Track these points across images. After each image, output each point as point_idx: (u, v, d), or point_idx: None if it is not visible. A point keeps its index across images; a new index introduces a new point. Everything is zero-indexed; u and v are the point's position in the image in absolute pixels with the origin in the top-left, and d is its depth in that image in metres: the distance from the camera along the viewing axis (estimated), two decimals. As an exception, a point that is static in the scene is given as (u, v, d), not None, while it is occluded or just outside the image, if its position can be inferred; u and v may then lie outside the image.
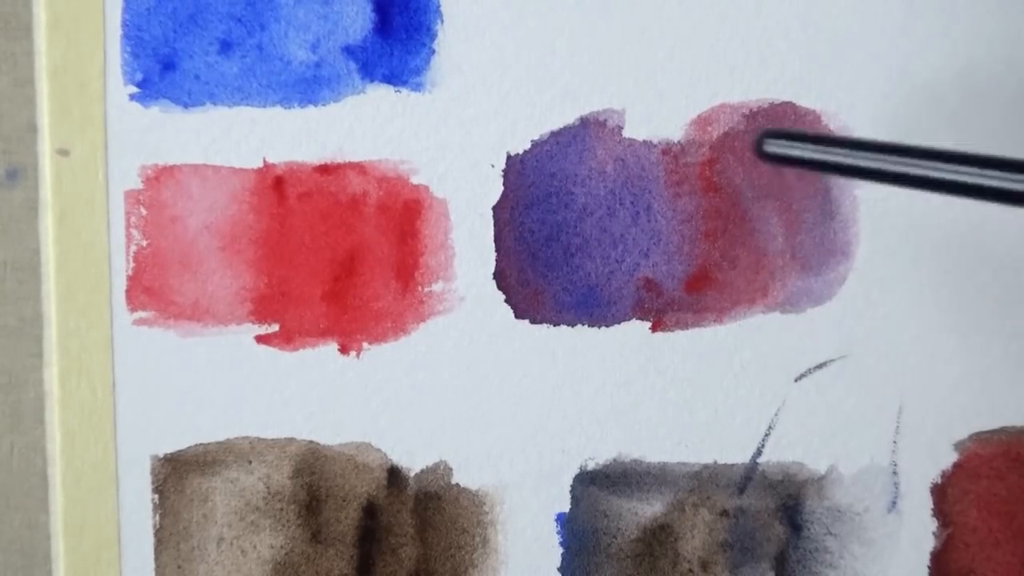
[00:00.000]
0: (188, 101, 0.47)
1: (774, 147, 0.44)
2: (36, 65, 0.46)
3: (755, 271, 0.49)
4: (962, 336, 0.50)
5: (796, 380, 0.50)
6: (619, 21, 0.48)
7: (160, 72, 0.47)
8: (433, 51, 0.47)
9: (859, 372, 0.50)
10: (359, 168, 0.48)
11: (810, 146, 0.44)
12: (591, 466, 0.49)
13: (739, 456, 0.50)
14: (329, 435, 0.48)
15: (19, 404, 0.47)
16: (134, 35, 0.46)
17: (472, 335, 0.49)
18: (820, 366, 0.50)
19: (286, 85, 0.47)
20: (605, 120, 0.48)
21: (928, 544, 0.51)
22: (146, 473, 0.48)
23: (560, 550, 0.50)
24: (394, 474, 0.49)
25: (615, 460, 0.50)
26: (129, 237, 0.47)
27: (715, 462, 0.50)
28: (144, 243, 0.47)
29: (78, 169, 0.46)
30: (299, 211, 0.47)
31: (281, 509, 0.48)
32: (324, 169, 0.47)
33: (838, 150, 0.44)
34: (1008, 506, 0.51)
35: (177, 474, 0.48)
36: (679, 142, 0.48)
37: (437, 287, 0.48)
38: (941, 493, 0.51)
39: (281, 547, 0.49)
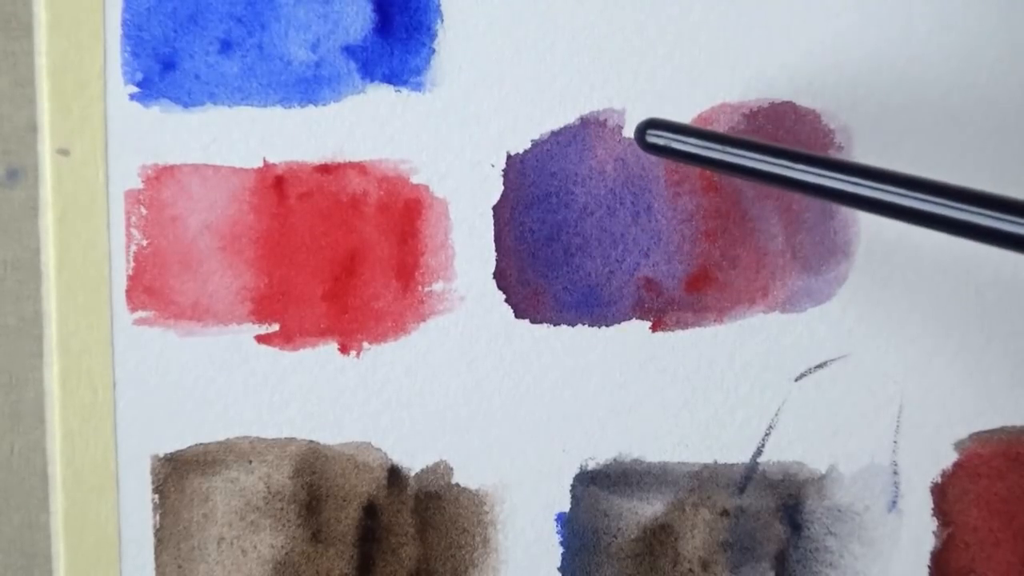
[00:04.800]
0: (188, 101, 0.47)
1: (656, 138, 0.44)
2: (36, 65, 0.46)
3: (755, 271, 0.49)
4: (962, 336, 0.50)
5: (796, 380, 0.50)
6: (619, 21, 0.48)
7: (160, 72, 0.47)
8: (433, 51, 0.47)
9: (859, 372, 0.50)
10: (359, 168, 0.48)
11: (692, 140, 0.44)
12: (591, 466, 0.49)
13: (739, 456, 0.50)
14: (329, 435, 0.48)
15: (19, 404, 0.47)
16: (134, 35, 0.46)
17: (472, 335, 0.49)
18: (820, 366, 0.50)
19: (286, 85, 0.47)
20: (605, 120, 0.48)
21: (928, 544, 0.51)
22: (146, 473, 0.48)
23: (560, 550, 0.50)
24: (394, 474, 0.49)
25: (615, 460, 0.50)
26: (129, 237, 0.47)
27: (715, 462, 0.50)
28: (144, 243, 0.47)
29: (78, 169, 0.46)
30: (299, 211, 0.47)
31: (281, 509, 0.48)
32: (324, 169, 0.47)
33: (720, 147, 0.43)
34: (1008, 506, 0.51)
35: (177, 474, 0.48)
36: (679, 142, 0.48)
37: (437, 287, 0.48)
38: (941, 493, 0.51)
39: (281, 547, 0.49)
